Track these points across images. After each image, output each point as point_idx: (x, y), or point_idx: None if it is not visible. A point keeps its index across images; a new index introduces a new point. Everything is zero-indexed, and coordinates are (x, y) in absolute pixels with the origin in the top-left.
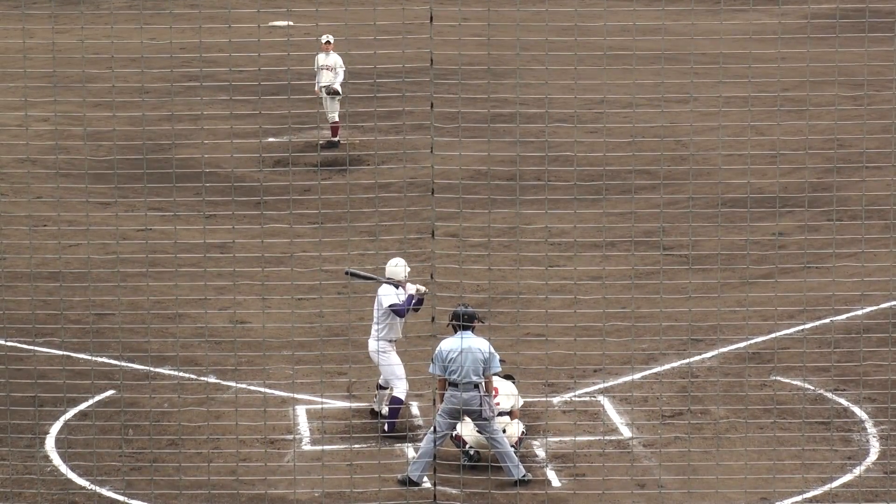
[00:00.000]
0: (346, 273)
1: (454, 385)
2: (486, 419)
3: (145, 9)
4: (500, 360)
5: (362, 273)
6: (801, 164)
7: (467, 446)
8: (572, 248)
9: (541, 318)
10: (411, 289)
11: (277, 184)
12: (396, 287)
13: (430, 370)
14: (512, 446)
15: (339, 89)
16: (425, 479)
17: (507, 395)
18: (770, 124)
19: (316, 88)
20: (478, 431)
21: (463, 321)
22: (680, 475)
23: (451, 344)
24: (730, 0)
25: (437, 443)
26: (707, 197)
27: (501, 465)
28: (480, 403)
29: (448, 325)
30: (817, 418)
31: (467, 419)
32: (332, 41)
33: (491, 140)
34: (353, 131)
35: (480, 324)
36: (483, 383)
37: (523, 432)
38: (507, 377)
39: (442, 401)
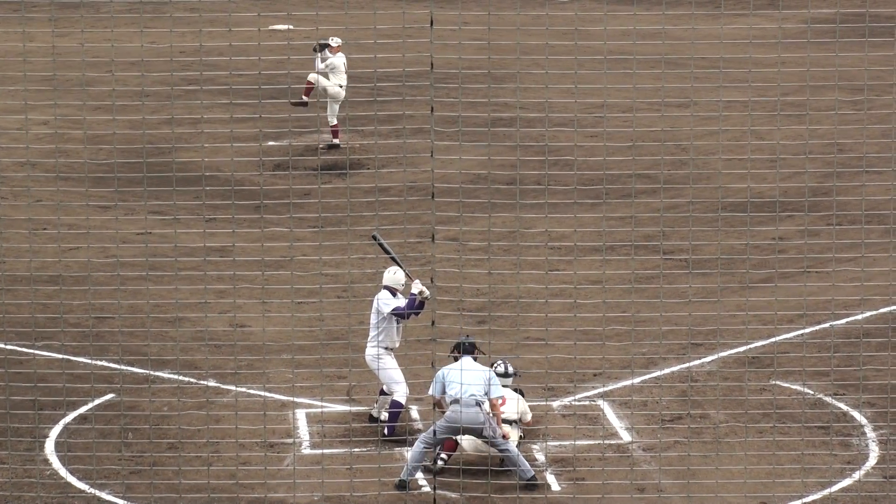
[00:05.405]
0: (373, 237)
1: (456, 401)
2: (486, 437)
3: (145, 12)
4: (514, 374)
5: (386, 245)
6: (801, 168)
7: (443, 453)
8: (572, 252)
9: (541, 323)
10: (416, 287)
11: (277, 187)
12: (394, 295)
13: (430, 392)
14: None
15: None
16: (422, 480)
17: (512, 399)
18: (770, 129)
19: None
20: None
21: (464, 349)
22: (679, 479)
23: (450, 366)
24: (730, 4)
25: (430, 447)
26: (707, 201)
27: (512, 468)
28: (483, 422)
29: (449, 356)
30: (817, 423)
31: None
32: (332, 44)
33: (491, 144)
34: (353, 135)
35: (481, 355)
36: (485, 403)
37: (521, 436)
38: (517, 391)
39: (441, 409)
